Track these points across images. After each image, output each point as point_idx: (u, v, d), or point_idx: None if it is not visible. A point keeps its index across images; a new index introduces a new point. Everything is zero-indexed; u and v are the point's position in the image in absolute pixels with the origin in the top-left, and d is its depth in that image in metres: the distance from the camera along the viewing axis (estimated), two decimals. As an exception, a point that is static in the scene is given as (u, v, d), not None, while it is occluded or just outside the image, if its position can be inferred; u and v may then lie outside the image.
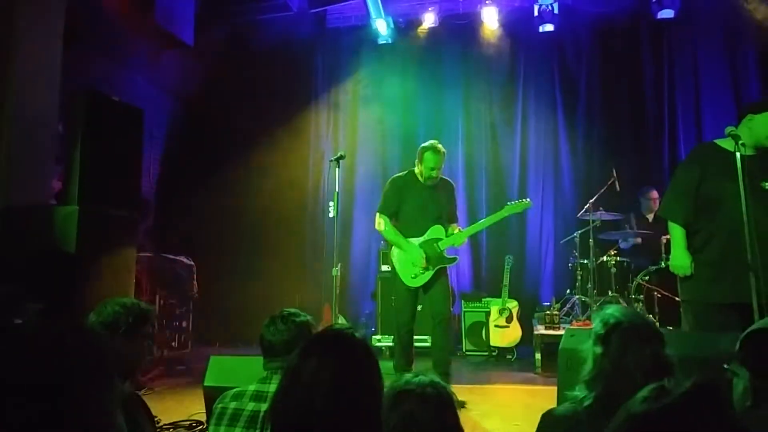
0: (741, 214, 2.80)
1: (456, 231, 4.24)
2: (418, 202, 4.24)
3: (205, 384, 3.09)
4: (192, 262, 5.59)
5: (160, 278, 4.93)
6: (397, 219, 4.30)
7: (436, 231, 4.25)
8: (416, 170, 4.29)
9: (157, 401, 3.85)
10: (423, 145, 4.25)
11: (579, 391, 1.66)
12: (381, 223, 4.29)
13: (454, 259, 4.33)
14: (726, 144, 3.04)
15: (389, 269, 6.19)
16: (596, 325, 1.69)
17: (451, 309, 4.29)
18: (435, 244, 4.19)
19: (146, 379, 4.29)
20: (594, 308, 5.23)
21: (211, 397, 2.47)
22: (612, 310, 1.69)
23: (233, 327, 6.18)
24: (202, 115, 6.87)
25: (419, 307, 4.37)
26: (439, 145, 4.21)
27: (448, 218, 4.33)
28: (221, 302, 6.29)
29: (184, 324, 5.24)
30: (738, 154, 2.81)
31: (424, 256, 4.14)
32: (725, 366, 1.47)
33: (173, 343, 5.01)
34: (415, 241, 4.20)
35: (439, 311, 4.17)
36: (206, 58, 6.60)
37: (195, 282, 5.50)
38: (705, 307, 2.98)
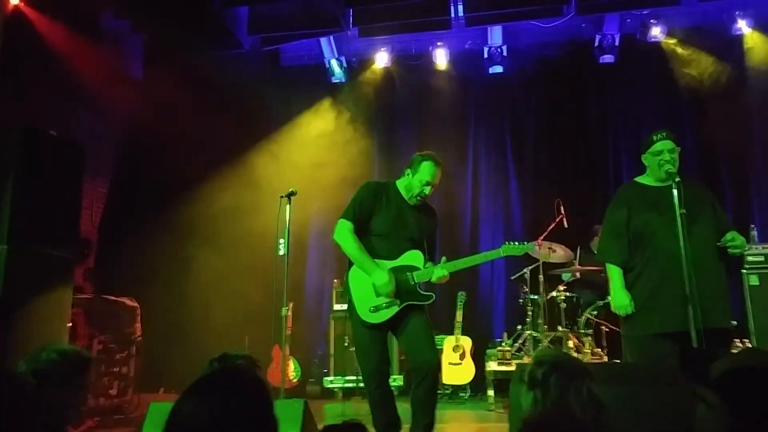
0: (669, 244, 2.91)
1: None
2: (394, 217, 3.29)
3: (143, 434, 2.93)
4: (136, 304, 5.35)
5: (99, 321, 4.68)
6: (365, 235, 3.29)
7: (412, 257, 3.29)
8: (401, 183, 3.42)
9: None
10: (420, 153, 3.44)
11: None
12: (343, 231, 3.24)
13: (430, 297, 3.29)
14: (645, 180, 3.27)
15: (343, 308, 6.17)
16: (532, 369, 1.72)
17: (438, 355, 3.26)
18: (408, 274, 3.24)
19: (78, 430, 4.02)
20: (545, 343, 5.25)
21: (148, 448, 2.33)
22: (543, 354, 1.73)
23: (180, 371, 5.90)
24: (151, 151, 6.70)
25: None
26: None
27: (427, 251, 3.37)
28: (167, 345, 6.03)
29: (124, 370, 4.97)
30: (675, 191, 2.91)
31: (393, 283, 3.16)
32: (696, 390, 1.46)
33: (111, 391, 4.73)
34: (384, 264, 3.24)
35: (423, 360, 3.12)
36: (156, 94, 6.48)
37: (138, 325, 5.26)
38: (643, 339, 3.04)
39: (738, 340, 4.97)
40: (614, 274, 3.15)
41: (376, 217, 3.29)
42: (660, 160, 3.11)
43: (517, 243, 3.46)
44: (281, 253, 4.32)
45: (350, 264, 3.31)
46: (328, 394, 5.98)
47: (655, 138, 3.17)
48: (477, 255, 3.50)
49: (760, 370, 1.37)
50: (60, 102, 5.92)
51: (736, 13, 6.42)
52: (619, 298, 3.09)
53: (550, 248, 5.59)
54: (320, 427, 2.55)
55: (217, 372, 1.31)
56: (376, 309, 3.19)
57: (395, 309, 3.20)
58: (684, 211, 2.86)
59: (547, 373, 1.65)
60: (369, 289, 3.21)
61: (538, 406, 1.63)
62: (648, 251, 3.05)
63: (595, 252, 5.97)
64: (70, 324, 4.07)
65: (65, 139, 3.95)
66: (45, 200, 3.69)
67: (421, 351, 3.16)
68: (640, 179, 3.31)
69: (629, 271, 3.12)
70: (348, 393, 5.91)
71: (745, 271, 5.15)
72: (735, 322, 4.08)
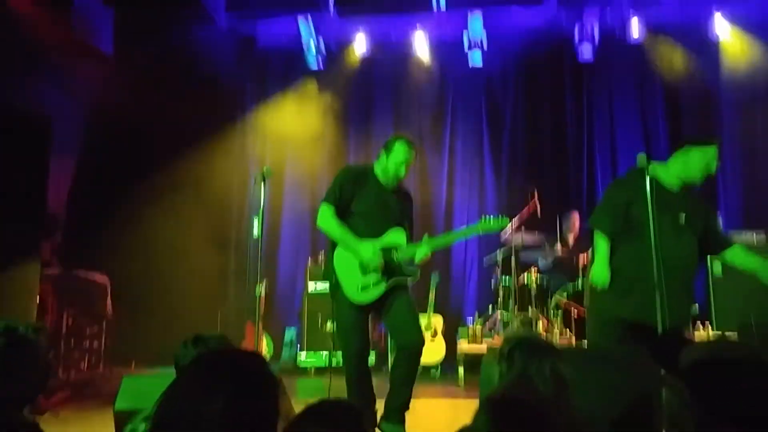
0: (662, 242, 2.95)
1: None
2: (375, 200, 3.32)
3: (116, 407, 2.90)
4: (106, 279, 5.31)
5: (68, 297, 4.63)
6: (347, 216, 3.30)
7: (396, 235, 3.32)
8: (377, 166, 3.43)
9: (62, 427, 3.61)
10: (394, 134, 3.50)
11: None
12: (325, 215, 3.26)
13: (414, 274, 3.34)
14: (661, 172, 3.19)
15: (317, 287, 6.18)
16: (501, 345, 1.83)
17: (423, 335, 3.30)
18: (392, 252, 3.27)
19: (50, 403, 4.00)
20: (515, 325, 5.37)
21: (122, 421, 2.30)
22: (513, 332, 1.83)
23: (153, 346, 5.86)
24: (122, 128, 6.56)
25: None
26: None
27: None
28: (140, 321, 5.97)
29: (95, 344, 4.94)
30: (648, 178, 2.96)
31: (381, 256, 3.21)
32: (664, 377, 1.49)
33: (82, 364, 4.70)
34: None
35: (410, 339, 3.18)
36: (127, 70, 6.33)
37: (109, 300, 5.21)
38: (609, 319, 3.11)
39: (699, 323, 5.23)
40: (601, 243, 3.14)
41: (358, 199, 3.31)
42: (708, 164, 3.12)
43: (492, 218, 3.47)
44: (255, 231, 4.31)
45: (333, 247, 3.31)
46: (301, 370, 6.03)
47: (714, 141, 3.15)
48: (457, 231, 3.54)
49: (730, 362, 1.39)
50: (26, 76, 5.74)
51: (715, 12, 6.42)
52: (600, 270, 3.10)
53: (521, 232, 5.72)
54: (294, 403, 2.59)
55: (223, 357, 1.21)
56: (365, 288, 3.20)
57: (383, 287, 3.23)
58: (684, 222, 3.02)
59: (513, 348, 1.75)
60: (355, 269, 3.23)
61: (503, 379, 1.73)
62: (636, 241, 3.06)
63: (567, 236, 6.14)
64: (38, 300, 4.01)
65: (31, 113, 3.84)
66: (9, 176, 3.60)
67: (407, 330, 3.20)
68: (656, 171, 3.12)
69: (613, 253, 3.13)
70: (320, 370, 5.96)
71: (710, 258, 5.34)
72: (696, 304, 4.26)
